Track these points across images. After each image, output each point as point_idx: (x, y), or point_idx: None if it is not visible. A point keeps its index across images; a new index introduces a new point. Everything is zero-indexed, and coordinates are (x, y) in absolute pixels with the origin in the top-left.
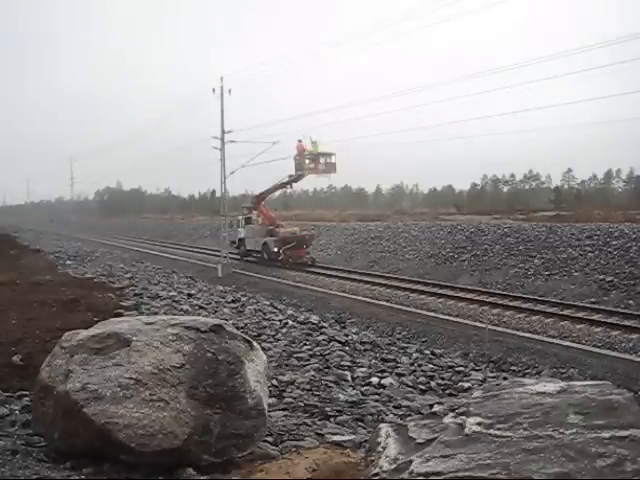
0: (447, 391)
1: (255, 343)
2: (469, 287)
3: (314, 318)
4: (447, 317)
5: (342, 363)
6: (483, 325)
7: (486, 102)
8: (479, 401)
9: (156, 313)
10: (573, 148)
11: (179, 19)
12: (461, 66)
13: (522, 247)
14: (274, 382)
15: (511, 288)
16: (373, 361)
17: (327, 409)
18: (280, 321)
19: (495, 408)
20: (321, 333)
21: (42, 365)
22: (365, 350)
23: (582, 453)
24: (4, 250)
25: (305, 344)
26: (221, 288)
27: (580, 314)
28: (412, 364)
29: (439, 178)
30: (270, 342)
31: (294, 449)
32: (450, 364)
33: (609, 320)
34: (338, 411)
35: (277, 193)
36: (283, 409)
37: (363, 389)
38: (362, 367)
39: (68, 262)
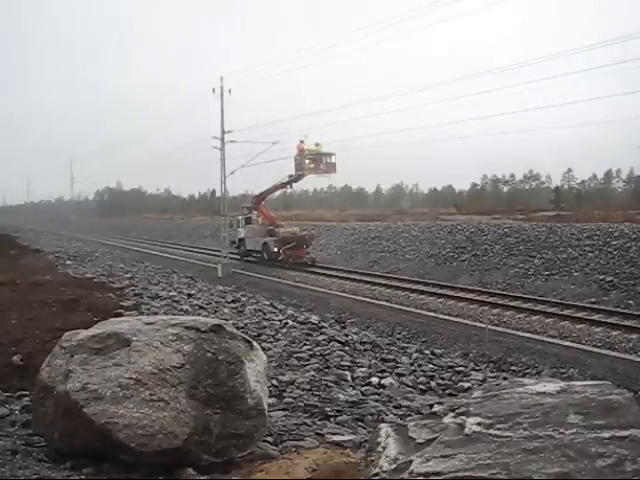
0: (447, 391)
1: (255, 343)
2: (469, 287)
3: (314, 318)
4: (447, 317)
5: (342, 363)
6: (483, 325)
7: (486, 102)
8: (479, 401)
9: (156, 313)
10: (573, 148)
11: (179, 19)
12: (461, 66)
13: (522, 247)
14: (274, 382)
15: (511, 288)
16: (373, 361)
17: (327, 409)
18: (280, 321)
19: (495, 408)
20: (321, 333)
21: (42, 365)
22: (365, 350)
23: (582, 453)
24: (4, 250)
25: (305, 344)
26: (221, 288)
27: (580, 314)
28: (412, 364)
29: (439, 178)
30: (270, 342)
31: (294, 449)
32: (450, 364)
33: (609, 320)
34: (338, 411)
35: (277, 193)
36: (283, 409)
37: (363, 389)
38: (362, 367)
39: (68, 262)
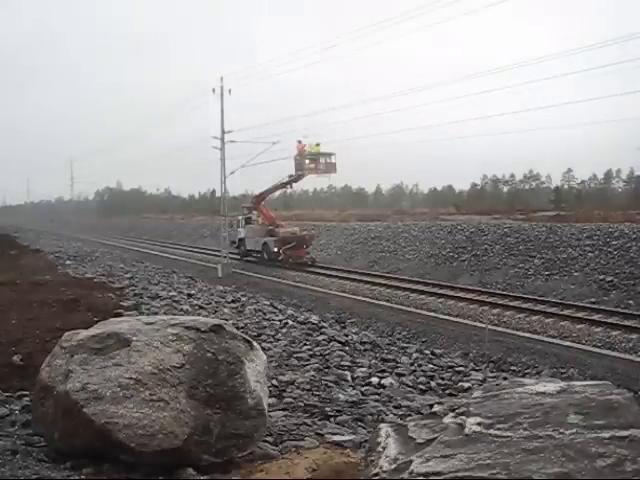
0: (447, 391)
1: (255, 343)
2: (469, 287)
3: (314, 318)
4: (447, 317)
5: (342, 363)
6: (483, 325)
7: (486, 102)
8: (479, 401)
9: (156, 313)
10: (573, 148)
11: (179, 19)
12: (461, 66)
13: (522, 247)
14: (274, 382)
15: (511, 288)
16: (373, 361)
17: (327, 409)
18: (280, 321)
19: (495, 408)
20: (321, 333)
21: (42, 365)
22: (365, 350)
23: (582, 453)
24: (4, 250)
25: (305, 344)
26: (221, 288)
27: (580, 314)
28: (412, 364)
29: (439, 178)
30: (270, 342)
31: (294, 449)
32: (450, 364)
33: (609, 320)
34: (338, 411)
35: (277, 193)
36: (283, 409)
37: (363, 389)
38: (362, 367)
39: (68, 262)
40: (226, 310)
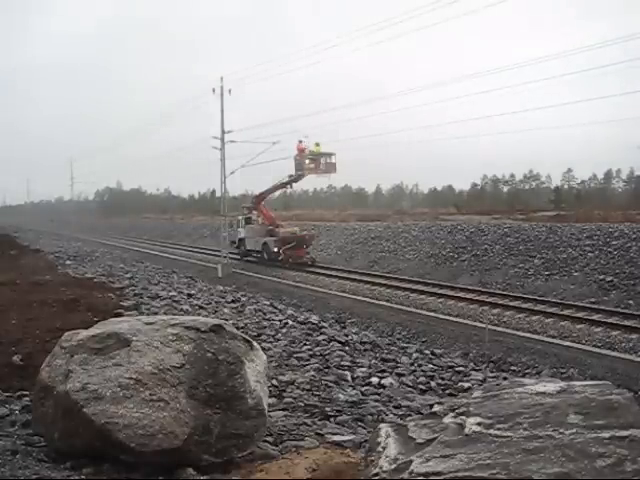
0: (447, 391)
1: (255, 343)
2: (469, 287)
3: (314, 318)
4: (447, 317)
5: (342, 363)
6: (483, 325)
7: (486, 102)
8: (479, 401)
9: (156, 313)
10: (573, 148)
11: (180, 19)
12: (461, 66)
13: (522, 247)
14: (274, 382)
15: (511, 288)
16: (373, 361)
17: (327, 409)
18: (280, 321)
19: (495, 408)
20: (321, 333)
21: (42, 365)
22: (365, 350)
23: (582, 453)
24: (4, 250)
25: (305, 344)
26: (221, 288)
27: (580, 314)
28: (412, 364)
29: (439, 178)
30: (270, 342)
31: (294, 449)
32: (450, 364)
33: (609, 320)
34: (338, 411)
35: (277, 193)
36: (283, 409)
37: (363, 389)
38: (362, 367)
39: (68, 262)
40: (226, 310)
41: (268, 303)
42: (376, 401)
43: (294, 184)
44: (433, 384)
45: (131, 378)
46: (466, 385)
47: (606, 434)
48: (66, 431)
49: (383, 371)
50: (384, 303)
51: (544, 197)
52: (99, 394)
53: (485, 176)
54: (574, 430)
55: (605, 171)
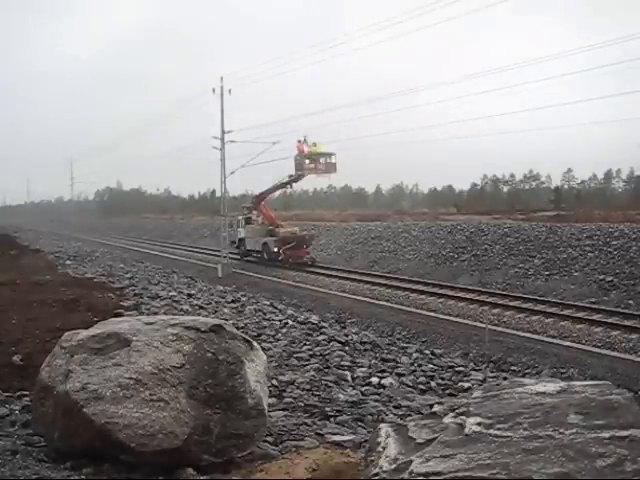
0: (447, 391)
1: (255, 343)
2: (469, 287)
3: (314, 318)
4: (447, 317)
5: (342, 363)
6: (483, 325)
7: (486, 102)
8: (479, 401)
9: (156, 313)
10: (573, 148)
11: (179, 18)
12: (461, 66)
13: (522, 247)
14: (274, 382)
15: (511, 288)
16: (373, 361)
17: (327, 409)
18: (280, 321)
19: (495, 408)
20: (321, 333)
21: (42, 365)
22: (365, 350)
23: (582, 453)
24: (4, 250)
25: (305, 344)
26: (221, 288)
27: (580, 314)
28: (412, 364)
29: (439, 178)
30: (270, 342)
31: (294, 449)
32: (450, 364)
33: (609, 320)
34: (338, 411)
35: (277, 193)
36: (283, 409)
37: (363, 389)
38: (362, 367)
39: (68, 262)
40: (226, 310)
41: (268, 303)
42: (376, 401)
43: (294, 184)
44: (433, 384)
45: (131, 378)
46: (466, 385)
47: (606, 434)
48: (66, 431)
49: (383, 371)
50: (384, 303)
51: (544, 197)
52: (99, 394)
53: (485, 176)
54: (574, 430)
55: (605, 171)
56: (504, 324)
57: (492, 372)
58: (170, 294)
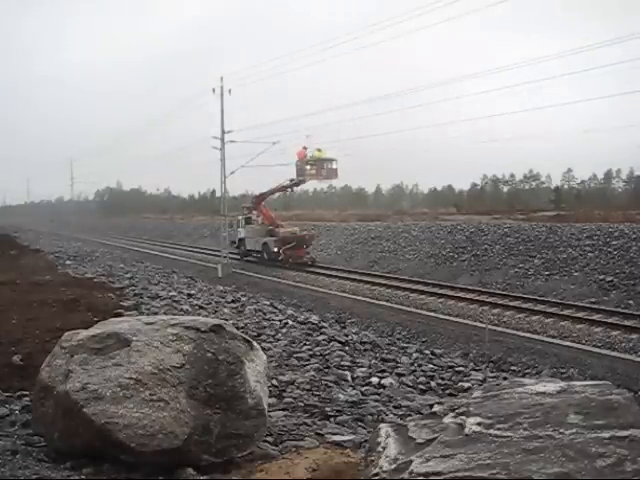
0: (447, 391)
1: (255, 343)
2: (469, 287)
3: (314, 318)
4: (447, 317)
5: (342, 363)
6: (483, 325)
7: (486, 102)
8: (479, 401)
9: (156, 313)
10: (573, 148)
11: (179, 18)
12: (461, 66)
13: (522, 247)
14: (274, 382)
15: (511, 288)
16: (373, 361)
17: (327, 409)
18: (280, 321)
19: (495, 408)
20: (321, 333)
21: (42, 365)
22: (365, 350)
23: (582, 453)
24: (4, 250)
25: (305, 344)
26: (221, 288)
27: (580, 314)
28: (412, 364)
29: (439, 178)
30: (270, 342)
31: (294, 449)
32: (450, 364)
33: (609, 320)
34: (338, 411)
35: (277, 194)
36: (283, 409)
37: (363, 389)
38: (362, 367)
39: (68, 262)
40: (226, 310)
41: (268, 303)
42: (376, 401)
43: (294, 188)
44: (433, 384)
45: (131, 378)
46: (466, 385)
47: (606, 434)
48: (66, 431)
49: (383, 371)
50: (384, 303)
51: (544, 197)
52: (99, 394)
53: (485, 176)
54: (574, 430)
55: (605, 171)
56: (504, 324)
57: (492, 372)
58: (170, 294)
